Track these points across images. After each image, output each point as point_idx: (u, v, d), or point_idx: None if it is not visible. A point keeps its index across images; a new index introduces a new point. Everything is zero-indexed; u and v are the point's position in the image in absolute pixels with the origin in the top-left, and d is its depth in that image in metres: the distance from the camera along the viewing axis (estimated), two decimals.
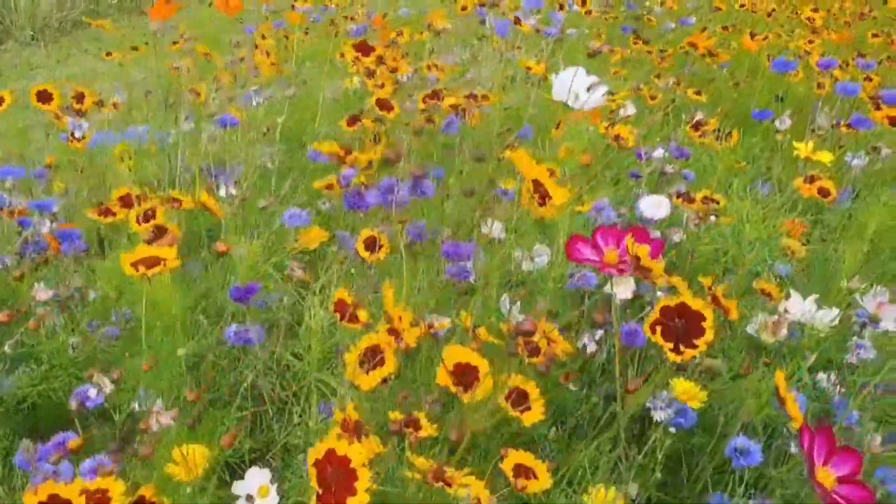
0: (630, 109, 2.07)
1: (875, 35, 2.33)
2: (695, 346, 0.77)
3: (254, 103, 1.51)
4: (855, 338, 1.25)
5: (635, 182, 1.75)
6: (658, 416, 0.92)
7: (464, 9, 2.67)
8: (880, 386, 1.11)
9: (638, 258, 0.76)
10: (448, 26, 2.65)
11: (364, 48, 1.45)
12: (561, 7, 2.53)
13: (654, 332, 0.79)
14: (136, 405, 0.91)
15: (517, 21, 2.25)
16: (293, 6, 2.39)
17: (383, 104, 1.35)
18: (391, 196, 1.13)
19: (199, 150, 1.40)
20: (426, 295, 1.06)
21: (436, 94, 1.39)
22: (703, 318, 0.78)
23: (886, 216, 1.28)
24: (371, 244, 1.15)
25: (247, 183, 1.35)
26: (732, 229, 1.35)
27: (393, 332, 0.87)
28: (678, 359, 0.77)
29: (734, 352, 1.14)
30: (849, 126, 1.52)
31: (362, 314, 0.89)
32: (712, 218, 1.40)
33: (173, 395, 0.95)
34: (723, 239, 1.37)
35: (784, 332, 1.05)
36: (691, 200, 1.42)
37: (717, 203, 1.43)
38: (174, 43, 2.12)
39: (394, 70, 1.47)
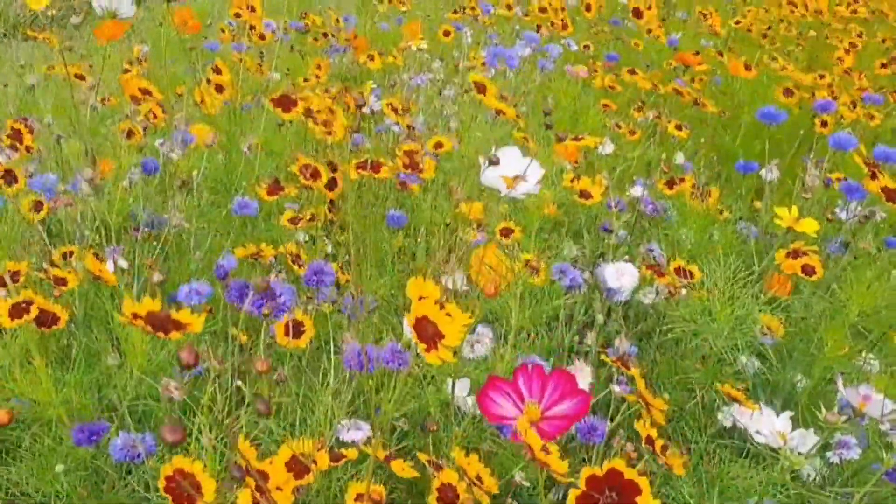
0: (608, 147, 1.93)
1: (884, 65, 2.17)
2: None
3: (173, 154, 1.36)
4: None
5: (606, 235, 1.61)
6: None
7: (446, 34, 2.51)
8: None
9: (531, 449, 0.60)
10: (424, 46, 2.51)
11: (285, 102, 1.29)
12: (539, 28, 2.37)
13: None
14: None
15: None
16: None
17: (308, 171, 1.19)
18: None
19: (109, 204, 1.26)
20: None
21: (370, 165, 1.22)
22: (639, 492, 0.64)
23: (871, 299, 1.13)
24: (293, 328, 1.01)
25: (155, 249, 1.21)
26: (703, 308, 1.22)
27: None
28: None
29: None
30: (839, 189, 1.37)
31: None
32: (683, 291, 1.26)
33: None
34: (693, 318, 1.23)
35: None
36: (661, 273, 1.28)
37: (691, 276, 1.29)
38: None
39: (327, 127, 1.31)
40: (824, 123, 1.85)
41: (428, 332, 0.64)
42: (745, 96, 2.16)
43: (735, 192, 1.78)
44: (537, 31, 2.43)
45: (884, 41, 2.20)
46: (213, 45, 2.35)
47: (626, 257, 1.57)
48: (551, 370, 0.70)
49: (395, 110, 1.60)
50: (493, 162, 0.85)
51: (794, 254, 1.19)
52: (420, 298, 0.68)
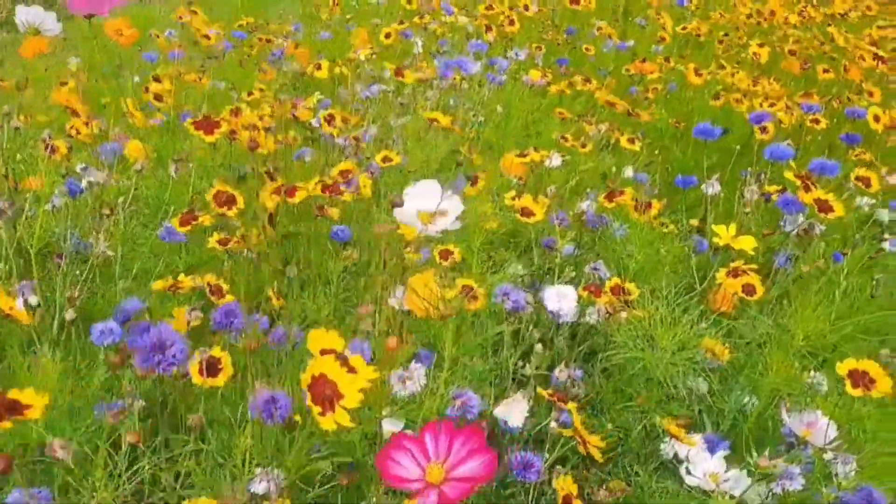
0: (556, 160, 1.88)
1: (826, 70, 2.15)
2: None
3: (97, 176, 1.29)
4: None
5: (549, 253, 1.57)
6: None
7: (387, 36, 2.46)
8: None
9: None
10: (373, 55, 2.45)
11: (206, 125, 1.22)
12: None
13: None
14: None
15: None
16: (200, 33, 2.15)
17: (222, 198, 1.13)
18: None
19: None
20: None
21: (284, 190, 1.15)
22: None
23: (815, 323, 1.10)
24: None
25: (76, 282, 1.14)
26: (644, 333, 1.18)
27: None
28: None
29: None
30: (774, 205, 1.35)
31: None
32: (622, 314, 1.22)
33: None
34: (634, 343, 1.19)
35: None
36: (599, 292, 1.24)
37: (629, 294, 1.25)
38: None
39: (254, 145, 1.25)
40: (764, 130, 1.83)
41: (325, 393, 0.58)
42: (694, 105, 2.14)
43: (686, 205, 1.74)
44: (486, 31, 2.39)
45: (822, 43, 2.19)
46: (151, 56, 2.26)
47: (574, 274, 1.54)
48: (461, 426, 0.65)
49: (330, 122, 1.54)
50: (397, 204, 0.80)
51: (735, 272, 1.16)
52: (322, 353, 0.63)
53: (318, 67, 2.06)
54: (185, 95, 2.21)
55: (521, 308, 1.37)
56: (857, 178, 1.32)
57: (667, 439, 1.14)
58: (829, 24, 2.31)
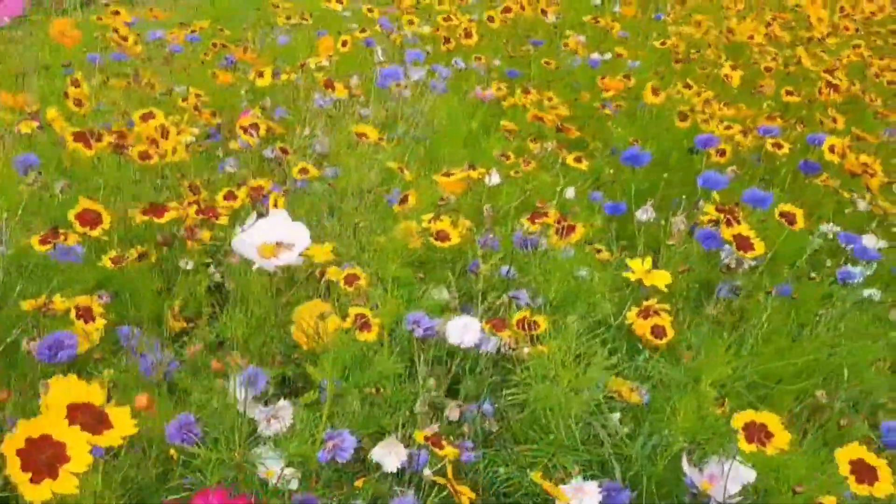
0: (495, 178, 1.80)
1: (790, 93, 2.07)
2: None
3: None
4: None
5: (475, 278, 1.49)
6: None
7: (344, 44, 2.38)
8: None
9: None
10: (325, 64, 2.37)
11: (85, 138, 1.13)
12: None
13: None
14: None
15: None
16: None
17: (87, 217, 1.03)
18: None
19: None
20: None
21: (153, 209, 1.06)
22: None
23: (723, 370, 1.02)
24: None
25: None
26: (543, 373, 1.09)
27: None
28: None
29: None
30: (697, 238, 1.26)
31: None
32: (525, 350, 1.13)
33: None
34: (535, 381, 1.10)
35: None
36: (502, 325, 1.16)
37: (537, 327, 1.16)
38: None
39: (146, 157, 1.16)
40: (722, 153, 1.75)
41: (43, 457, 0.50)
42: (648, 123, 2.06)
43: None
44: (444, 43, 2.31)
45: (786, 66, 2.10)
46: (94, 57, 2.19)
47: (499, 301, 1.45)
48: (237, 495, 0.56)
49: (246, 131, 1.47)
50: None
51: (646, 312, 1.07)
52: (70, 408, 0.54)
53: (261, 75, 1.99)
54: (127, 100, 2.15)
55: (433, 336, 1.29)
56: (781, 214, 1.23)
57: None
58: (799, 45, 2.23)
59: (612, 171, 2.06)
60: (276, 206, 1.36)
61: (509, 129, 2.02)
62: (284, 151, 1.65)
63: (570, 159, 1.84)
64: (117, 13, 1.67)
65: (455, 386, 1.31)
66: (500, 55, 2.57)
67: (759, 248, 1.09)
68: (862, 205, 1.88)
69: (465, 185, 1.74)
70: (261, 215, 0.81)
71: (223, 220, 1.17)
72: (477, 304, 1.48)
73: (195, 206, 1.07)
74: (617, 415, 1.16)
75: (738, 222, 1.08)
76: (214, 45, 2.55)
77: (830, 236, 2.01)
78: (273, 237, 0.76)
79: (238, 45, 2.63)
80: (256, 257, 0.76)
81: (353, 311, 1.12)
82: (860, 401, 1.64)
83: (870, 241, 1.91)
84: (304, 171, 1.41)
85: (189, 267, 1.17)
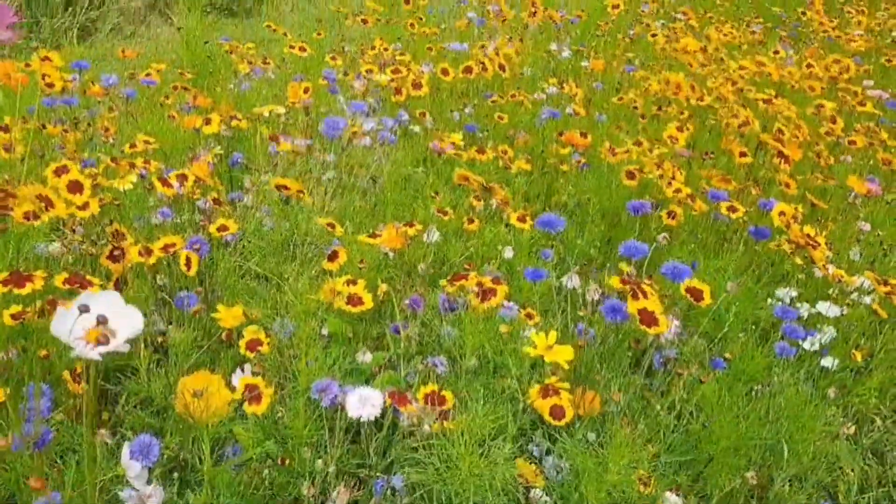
0: (433, 235, 1.76)
1: (743, 154, 2.03)
2: None
3: None
4: None
5: (395, 338, 1.44)
6: None
7: (306, 91, 2.37)
8: None
9: None
10: (281, 111, 2.35)
11: None
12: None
13: None
14: None
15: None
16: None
17: None
18: None
19: None
20: None
21: (17, 278, 0.98)
22: None
23: (631, 455, 0.96)
24: None
25: None
26: (446, 457, 1.03)
27: None
28: None
29: None
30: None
31: None
32: (426, 427, 1.07)
33: None
34: (437, 462, 1.04)
35: None
36: (403, 400, 1.10)
37: (444, 402, 1.11)
38: None
39: (30, 217, 1.10)
40: (672, 216, 1.71)
41: None
42: (591, 183, 2.02)
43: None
44: (395, 94, 2.29)
45: (741, 126, 2.07)
46: (49, 101, 2.17)
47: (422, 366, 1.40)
48: None
49: (163, 182, 1.43)
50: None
51: (546, 391, 1.02)
52: None
53: (207, 122, 1.96)
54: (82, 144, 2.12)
55: (339, 405, 1.23)
56: (688, 290, 1.18)
57: None
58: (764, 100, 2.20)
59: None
60: (188, 264, 1.32)
61: (461, 183, 1.98)
62: (217, 203, 1.61)
63: (513, 218, 1.80)
64: (46, 59, 1.64)
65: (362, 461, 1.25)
66: (459, 108, 2.55)
67: (663, 325, 1.04)
68: (817, 271, 1.84)
69: (403, 241, 1.70)
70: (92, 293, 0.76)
71: (95, 290, 1.11)
72: (400, 368, 1.43)
73: (64, 275, 1.01)
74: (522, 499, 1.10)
75: (645, 295, 1.03)
76: (175, 87, 2.54)
77: (788, 301, 1.97)
78: (97, 320, 0.71)
79: (200, 90, 2.62)
80: (75, 343, 0.70)
81: (242, 381, 1.07)
82: (804, 478, 1.58)
83: (825, 307, 1.86)
84: (223, 227, 1.37)
85: None
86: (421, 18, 3.13)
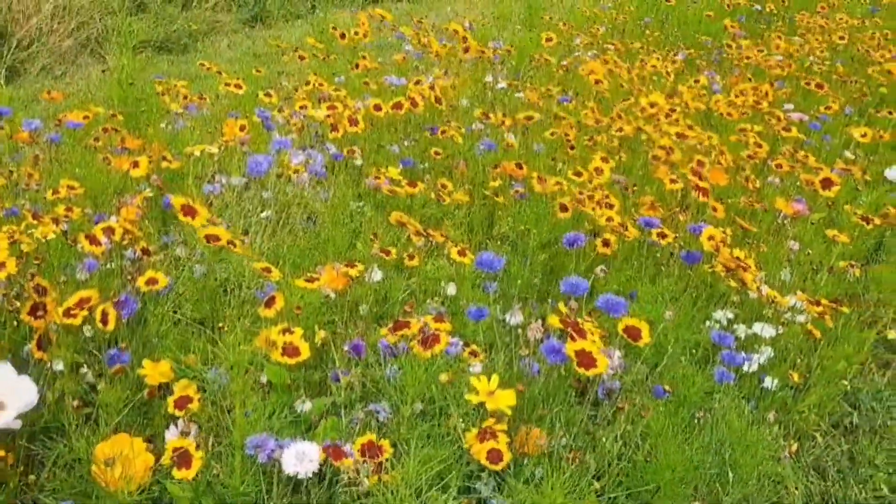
0: (375, 275, 1.74)
1: (673, 181, 2.08)
2: None
3: None
4: None
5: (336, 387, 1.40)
6: None
7: (242, 129, 2.33)
8: None
9: None
10: (213, 150, 2.31)
11: None
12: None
13: None
14: None
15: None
16: None
17: None
18: None
19: None
20: None
21: None
22: None
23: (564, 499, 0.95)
24: None
25: None
26: None
27: None
28: None
29: None
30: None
31: None
32: (365, 482, 1.04)
33: None
34: None
35: None
36: (339, 454, 1.07)
37: (382, 452, 1.08)
38: None
39: None
40: (606, 243, 1.72)
41: None
42: (530, 214, 2.03)
43: None
44: (332, 131, 2.28)
45: (666, 156, 2.12)
46: None
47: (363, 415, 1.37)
48: None
49: (91, 240, 1.37)
50: None
51: (483, 435, 1.00)
52: None
53: (136, 165, 1.91)
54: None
55: (275, 460, 1.19)
56: (625, 330, 1.19)
57: None
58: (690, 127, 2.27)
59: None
60: (104, 320, 1.26)
61: (400, 220, 1.96)
62: (146, 253, 1.56)
63: (454, 253, 1.79)
64: None
65: None
66: (398, 141, 2.55)
67: (602, 366, 1.04)
68: (752, 293, 1.88)
69: (345, 282, 1.67)
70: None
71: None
72: (342, 415, 1.40)
73: None
74: None
75: (583, 336, 1.03)
76: (105, 129, 2.47)
77: (725, 322, 2.00)
78: None
79: (132, 131, 2.55)
80: None
81: (170, 444, 1.02)
82: (750, 500, 1.59)
83: (761, 328, 1.90)
84: (152, 281, 1.32)
85: None
86: (364, 56, 3.14)
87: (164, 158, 2.08)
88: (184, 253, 1.63)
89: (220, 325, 1.52)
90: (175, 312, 1.60)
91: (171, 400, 1.14)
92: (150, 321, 1.42)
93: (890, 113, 2.96)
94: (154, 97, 2.73)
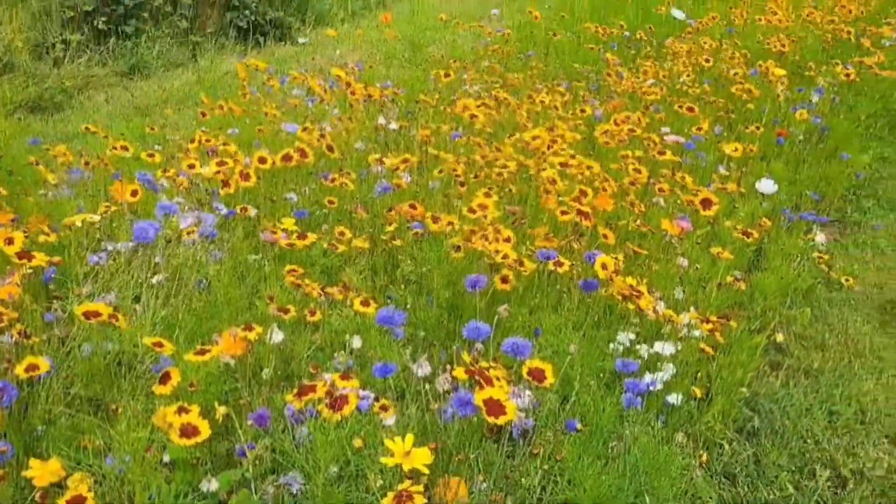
0: (276, 336, 1.69)
1: (564, 213, 2.13)
2: None
3: None
4: None
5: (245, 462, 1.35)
6: None
7: (134, 194, 2.21)
8: None
9: None
10: (96, 219, 2.20)
11: None
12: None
13: None
14: None
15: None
16: None
17: None
18: None
19: None
20: None
21: None
22: None
23: None
24: None
25: None
26: None
27: None
28: None
29: None
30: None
31: None
32: None
33: None
34: None
35: None
36: None
37: None
38: None
39: None
40: (504, 280, 1.75)
41: None
42: (431, 254, 2.04)
43: None
44: (223, 186, 2.22)
45: (550, 187, 2.17)
46: None
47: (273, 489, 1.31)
48: None
49: None
50: None
51: (400, 498, 0.98)
52: None
53: (10, 242, 1.78)
54: None
55: None
56: (529, 373, 1.21)
57: None
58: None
59: (408, 306, 2.00)
60: None
61: (295, 282, 1.90)
62: (24, 336, 1.45)
63: (357, 304, 1.77)
64: None
65: None
66: (295, 189, 2.51)
67: (511, 412, 1.05)
68: (650, 315, 1.94)
69: (244, 346, 1.61)
70: None
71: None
72: (252, 488, 1.34)
73: None
74: None
75: (490, 383, 1.03)
76: None
77: (628, 343, 2.06)
78: None
79: (6, 202, 2.39)
80: None
81: None
82: None
83: (661, 346, 1.97)
84: (32, 367, 1.23)
85: None
86: (267, 105, 3.09)
87: (43, 232, 1.96)
88: (65, 333, 1.53)
89: (114, 406, 1.43)
90: (66, 393, 1.50)
91: (61, 501, 1.05)
92: (36, 409, 1.32)
93: (757, 128, 3.17)
94: (28, 168, 2.59)
